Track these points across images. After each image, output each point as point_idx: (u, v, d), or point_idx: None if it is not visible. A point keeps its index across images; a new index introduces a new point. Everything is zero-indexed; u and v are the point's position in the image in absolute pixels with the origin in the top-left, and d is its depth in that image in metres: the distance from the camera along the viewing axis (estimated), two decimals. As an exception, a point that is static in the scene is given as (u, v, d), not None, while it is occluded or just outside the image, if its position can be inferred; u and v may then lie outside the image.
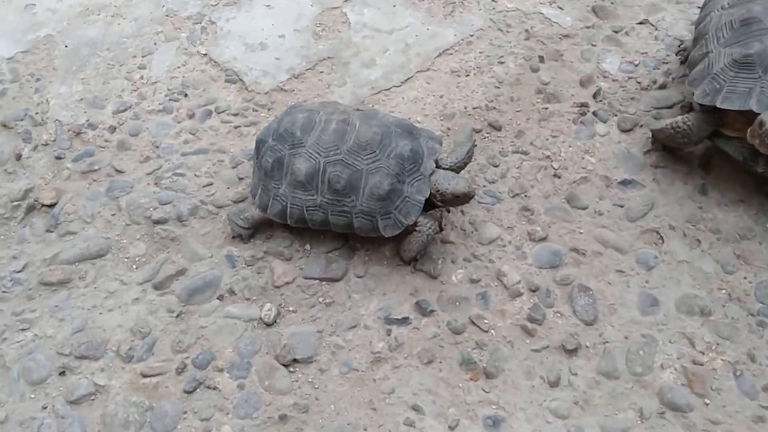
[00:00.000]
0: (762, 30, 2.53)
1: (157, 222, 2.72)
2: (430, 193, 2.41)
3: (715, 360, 2.31)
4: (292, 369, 2.34)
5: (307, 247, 2.62)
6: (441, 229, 2.59)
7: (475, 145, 2.72)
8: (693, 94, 2.63)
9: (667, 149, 2.85)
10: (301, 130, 2.49)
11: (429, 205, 2.51)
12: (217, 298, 2.51)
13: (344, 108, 2.60)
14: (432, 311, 2.46)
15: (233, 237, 2.63)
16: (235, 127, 3.04)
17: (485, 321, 2.43)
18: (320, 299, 2.50)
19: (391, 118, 2.57)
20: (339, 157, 2.42)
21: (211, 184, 2.83)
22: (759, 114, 2.40)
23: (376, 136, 2.41)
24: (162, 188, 2.82)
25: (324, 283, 2.54)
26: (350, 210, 2.43)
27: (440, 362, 2.35)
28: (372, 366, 2.35)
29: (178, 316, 2.47)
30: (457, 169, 2.61)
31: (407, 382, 2.31)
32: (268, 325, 2.42)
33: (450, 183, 2.41)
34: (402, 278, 2.56)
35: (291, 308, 2.48)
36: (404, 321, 2.44)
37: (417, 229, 2.46)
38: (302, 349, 2.36)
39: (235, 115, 3.08)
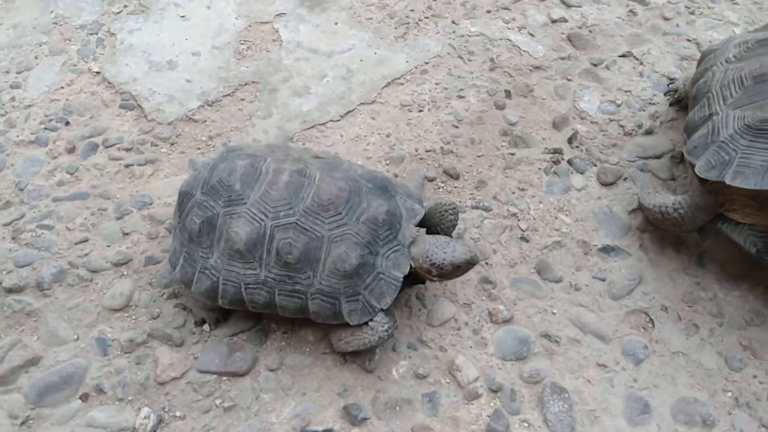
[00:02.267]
0: None
1: (10, 290, 2.16)
2: (420, 267, 2.00)
3: (723, 490, 1.85)
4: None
5: (206, 328, 2.07)
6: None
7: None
8: (693, 166, 2.18)
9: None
10: (242, 183, 1.98)
11: (410, 281, 2.07)
12: (79, 398, 1.96)
13: (299, 154, 2.11)
14: (364, 419, 1.95)
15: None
16: (126, 166, 2.49)
17: (432, 434, 1.92)
18: (218, 401, 1.96)
19: (359, 170, 2.11)
20: (292, 219, 1.91)
21: (86, 241, 2.27)
22: None
23: (342, 192, 1.95)
24: (21, 245, 2.26)
25: (224, 378, 2.01)
26: (305, 290, 1.94)
27: (373, 493, 1.82)
28: (281, 499, 1.81)
29: (23, 423, 1.89)
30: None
31: None
32: (144, 438, 1.86)
33: (447, 251, 1.97)
34: (328, 372, 2.04)
35: (178, 413, 1.94)
36: (327, 434, 1.91)
37: (370, 323, 1.98)
38: (188, 473, 1.82)
39: (128, 150, 2.54)
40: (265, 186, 1.96)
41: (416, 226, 2.08)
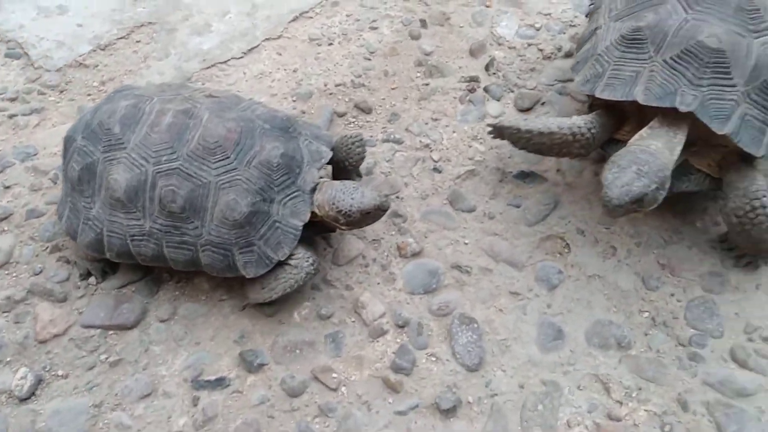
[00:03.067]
0: None
1: None
2: (327, 214, 1.87)
3: (637, 411, 1.80)
4: (50, 465, 1.69)
5: (92, 281, 1.94)
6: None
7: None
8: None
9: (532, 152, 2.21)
10: (122, 125, 1.83)
11: (317, 229, 1.95)
12: (-46, 362, 1.82)
13: (190, 93, 1.94)
14: (262, 365, 1.85)
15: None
16: (10, 117, 2.35)
17: (334, 375, 1.83)
18: (103, 357, 1.86)
19: (259, 109, 1.94)
20: (175, 164, 1.78)
21: (-39, 197, 2.11)
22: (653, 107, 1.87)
23: (230, 134, 1.79)
24: None
25: (110, 332, 1.91)
26: (194, 241, 1.81)
27: (269, 440, 1.73)
28: (170, 452, 1.71)
29: None
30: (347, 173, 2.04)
31: (219, 473, 1.68)
32: (22, 399, 1.75)
33: (354, 197, 1.84)
34: (225, 320, 1.94)
35: (60, 372, 1.83)
36: (220, 382, 1.82)
37: (291, 263, 1.86)
38: (68, 434, 1.72)
39: (12, 100, 2.39)
40: (147, 128, 1.82)
41: (325, 166, 1.96)
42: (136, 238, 1.84)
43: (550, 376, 1.87)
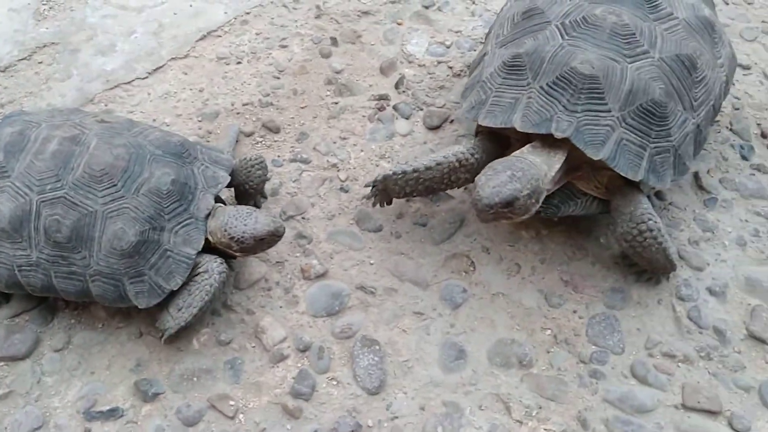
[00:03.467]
0: (542, 24, 2.04)
1: None
2: (219, 241, 1.85)
3: (537, 430, 1.83)
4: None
5: (-18, 311, 1.88)
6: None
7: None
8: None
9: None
10: (5, 153, 1.81)
11: (217, 255, 1.91)
12: None
13: (81, 118, 1.91)
14: (157, 394, 1.81)
15: None
16: None
17: (231, 403, 1.81)
18: (-10, 390, 1.77)
19: (153, 134, 1.92)
20: (60, 193, 1.75)
21: None
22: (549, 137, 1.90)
23: (118, 161, 1.78)
24: None
25: (1, 364, 1.82)
26: (83, 271, 1.77)
27: (162, 473, 1.69)
28: (55, 489, 1.65)
29: None
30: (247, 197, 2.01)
31: None
32: None
33: (247, 223, 1.82)
34: (121, 348, 1.89)
35: (-59, 409, 1.73)
36: (113, 413, 1.78)
37: (200, 270, 1.83)
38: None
39: None
40: (31, 156, 1.80)
41: (225, 190, 1.95)
42: (24, 268, 1.79)
43: (451, 397, 1.88)
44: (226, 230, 1.83)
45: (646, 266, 2.05)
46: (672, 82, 1.96)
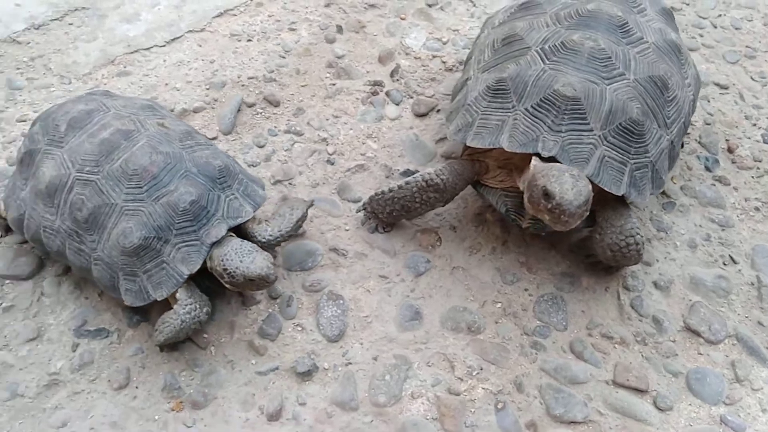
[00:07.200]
0: (522, 50, 2.14)
1: None
2: (214, 269, 1.92)
3: (475, 389, 2.01)
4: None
5: (-2, 234, 2.13)
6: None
7: (304, 216, 2.18)
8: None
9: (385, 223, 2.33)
10: (68, 126, 1.97)
11: (212, 281, 1.99)
12: None
13: (145, 117, 2.04)
14: (141, 321, 2.03)
15: None
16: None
17: (205, 336, 2.03)
18: (-4, 303, 2.02)
19: (202, 152, 2.01)
20: (94, 177, 1.90)
21: None
22: (529, 156, 1.98)
23: (151, 167, 1.88)
24: None
25: (6, 281, 2.06)
26: (89, 252, 1.91)
27: (136, 387, 1.93)
28: (44, 391, 1.90)
29: None
30: (272, 243, 2.07)
31: (87, 413, 1.88)
32: None
33: (243, 261, 1.86)
34: (113, 280, 2.10)
35: (-50, 314, 1.98)
36: (99, 333, 2.01)
37: (174, 307, 1.90)
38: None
39: (-58, 68, 2.53)
40: (86, 136, 1.95)
41: (240, 224, 2.00)
42: (47, 230, 1.95)
43: (403, 352, 2.08)
44: (222, 260, 1.88)
45: (612, 264, 2.20)
46: (647, 101, 2.07)
